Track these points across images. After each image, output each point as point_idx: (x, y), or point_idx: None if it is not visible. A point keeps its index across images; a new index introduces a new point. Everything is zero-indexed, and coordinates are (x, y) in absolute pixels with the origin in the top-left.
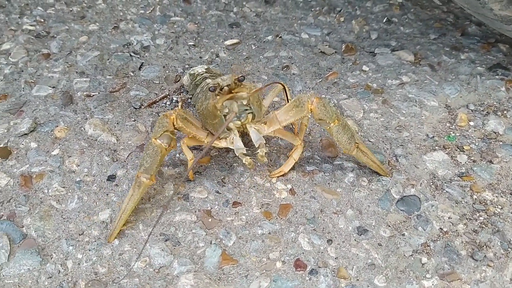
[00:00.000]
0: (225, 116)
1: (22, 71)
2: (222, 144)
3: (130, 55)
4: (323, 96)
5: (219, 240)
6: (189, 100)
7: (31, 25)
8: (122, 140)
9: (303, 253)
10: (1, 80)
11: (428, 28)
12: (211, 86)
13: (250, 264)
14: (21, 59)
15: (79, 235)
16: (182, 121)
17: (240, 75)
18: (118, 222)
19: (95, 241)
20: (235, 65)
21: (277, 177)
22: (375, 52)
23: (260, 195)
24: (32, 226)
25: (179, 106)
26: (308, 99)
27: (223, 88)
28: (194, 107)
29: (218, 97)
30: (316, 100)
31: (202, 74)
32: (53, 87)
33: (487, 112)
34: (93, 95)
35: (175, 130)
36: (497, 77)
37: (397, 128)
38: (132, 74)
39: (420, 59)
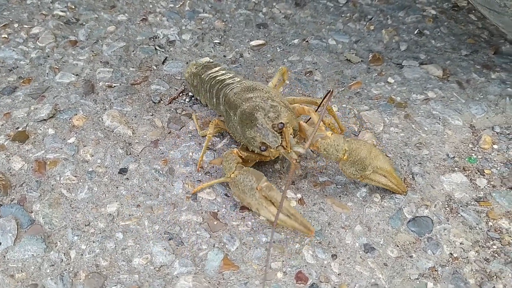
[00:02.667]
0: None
1: (48, 56)
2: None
3: (155, 48)
4: (339, 134)
5: (222, 244)
6: (191, 94)
7: (62, 11)
8: (138, 134)
9: (305, 265)
10: (27, 64)
11: (460, 43)
12: (262, 147)
13: (251, 271)
14: (48, 44)
15: (85, 225)
16: (245, 150)
17: (279, 122)
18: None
19: (100, 233)
20: (259, 67)
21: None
22: (403, 64)
23: None
24: (41, 213)
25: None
26: (315, 132)
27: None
28: (200, 102)
29: (272, 150)
30: (319, 141)
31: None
32: (76, 75)
33: None
34: (115, 86)
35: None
36: None
37: (417, 145)
38: (155, 67)
39: (448, 75)
